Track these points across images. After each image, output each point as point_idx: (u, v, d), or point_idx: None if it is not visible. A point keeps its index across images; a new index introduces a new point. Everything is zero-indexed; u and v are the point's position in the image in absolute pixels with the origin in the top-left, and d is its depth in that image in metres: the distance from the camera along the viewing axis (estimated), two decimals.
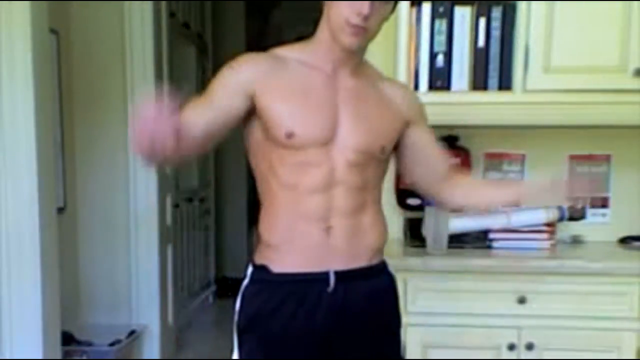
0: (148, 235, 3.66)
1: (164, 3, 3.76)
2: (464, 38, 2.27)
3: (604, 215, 2.61)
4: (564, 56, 2.26)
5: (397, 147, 1.68)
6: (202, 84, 5.12)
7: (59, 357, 2.92)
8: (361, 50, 1.57)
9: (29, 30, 2.56)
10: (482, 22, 2.26)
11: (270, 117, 1.52)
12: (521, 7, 2.25)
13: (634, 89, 2.23)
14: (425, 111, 1.74)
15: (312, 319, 1.54)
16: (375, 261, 1.62)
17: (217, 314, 5.30)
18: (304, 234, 1.54)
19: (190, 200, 4.82)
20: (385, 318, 1.66)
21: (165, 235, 3.86)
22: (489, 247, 2.39)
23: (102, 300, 3.64)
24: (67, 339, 3.21)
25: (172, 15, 4.03)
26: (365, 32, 1.49)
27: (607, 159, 2.60)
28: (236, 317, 1.61)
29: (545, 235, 2.40)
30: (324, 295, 1.54)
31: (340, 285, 1.54)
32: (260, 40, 6.77)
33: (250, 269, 1.63)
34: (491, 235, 2.39)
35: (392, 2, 1.52)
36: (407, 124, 1.66)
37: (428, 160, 1.73)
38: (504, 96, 2.24)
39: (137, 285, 3.67)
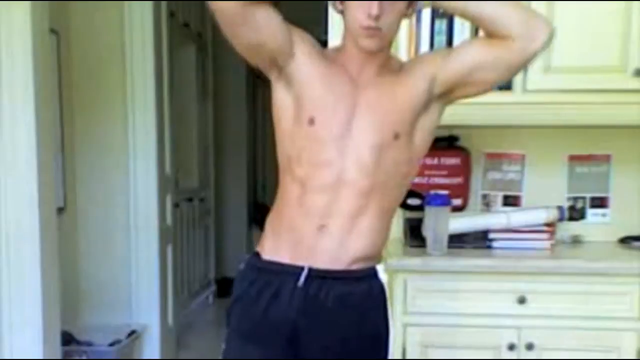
0: (148, 235, 3.66)
1: (164, 3, 3.76)
2: (464, 38, 2.27)
3: (604, 215, 2.61)
4: (564, 56, 2.26)
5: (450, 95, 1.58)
6: (202, 84, 5.13)
7: (59, 357, 2.92)
8: (383, 50, 1.55)
9: (29, 30, 2.56)
10: None
11: (296, 95, 1.55)
12: None
13: (634, 89, 2.23)
14: (432, 53, 1.71)
15: (284, 311, 1.56)
16: (358, 266, 1.59)
17: (217, 314, 5.30)
18: (297, 228, 1.57)
19: (190, 200, 4.82)
20: (364, 325, 1.63)
21: (165, 235, 3.86)
22: (489, 247, 2.39)
23: (102, 300, 3.64)
24: (67, 339, 3.21)
25: (172, 15, 4.03)
26: (381, 32, 1.47)
27: (607, 159, 2.60)
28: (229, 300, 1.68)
29: (545, 235, 2.40)
30: (295, 290, 1.56)
31: (314, 284, 1.56)
32: None
33: (248, 258, 1.68)
34: (491, 235, 2.39)
35: None
36: (432, 81, 1.55)
37: (471, 66, 1.53)
38: (504, 96, 2.24)
39: (137, 285, 3.68)
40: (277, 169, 1.66)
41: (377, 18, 1.44)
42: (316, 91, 1.55)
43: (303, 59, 1.56)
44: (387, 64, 1.59)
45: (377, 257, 1.65)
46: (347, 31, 1.55)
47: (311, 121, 1.53)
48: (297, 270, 1.56)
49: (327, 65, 1.58)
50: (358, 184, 1.55)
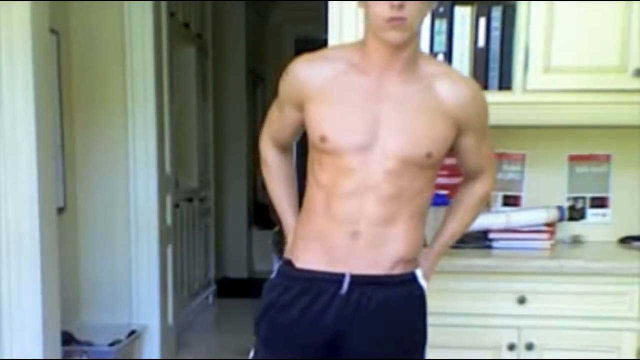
0: (148, 235, 3.66)
1: (164, 3, 3.76)
2: (464, 38, 2.27)
3: (604, 215, 2.61)
4: (564, 56, 2.26)
5: None
6: (202, 84, 5.13)
7: (59, 357, 2.92)
8: (408, 46, 1.52)
9: (29, 30, 2.56)
10: (482, 22, 2.26)
11: (308, 121, 1.59)
12: (521, 7, 2.24)
13: (634, 89, 2.23)
14: (486, 112, 1.67)
15: (322, 318, 1.56)
16: (397, 271, 1.60)
17: (217, 314, 5.31)
18: (330, 235, 1.57)
19: (190, 200, 4.82)
20: (404, 330, 1.65)
21: (165, 235, 3.86)
22: (489, 247, 2.39)
23: (102, 300, 3.64)
24: (67, 339, 3.21)
25: (172, 15, 4.03)
26: (405, 22, 1.44)
27: (607, 159, 2.60)
28: (256, 309, 1.67)
29: (545, 235, 2.39)
30: (336, 296, 1.55)
31: (355, 290, 1.55)
32: (261, 40, 6.78)
33: (279, 263, 1.69)
34: (491, 235, 2.39)
35: None
36: (459, 131, 1.61)
37: (460, 160, 1.72)
38: (504, 96, 2.24)
39: (137, 285, 3.68)
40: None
41: (400, 7, 1.42)
42: (326, 111, 1.56)
43: (306, 99, 1.59)
44: (414, 64, 1.56)
45: (415, 261, 1.65)
46: (369, 31, 1.53)
47: (322, 139, 1.54)
48: (336, 277, 1.55)
49: (337, 79, 1.55)
50: (384, 190, 1.54)
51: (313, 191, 1.62)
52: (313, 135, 1.57)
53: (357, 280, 1.55)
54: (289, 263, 1.64)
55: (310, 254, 1.60)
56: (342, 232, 1.55)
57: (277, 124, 1.74)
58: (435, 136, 1.56)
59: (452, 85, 1.58)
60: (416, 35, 1.54)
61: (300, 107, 1.61)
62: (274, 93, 1.72)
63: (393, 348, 1.62)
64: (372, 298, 1.56)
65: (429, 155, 1.55)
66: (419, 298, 1.67)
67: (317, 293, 1.57)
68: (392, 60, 1.52)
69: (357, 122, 1.53)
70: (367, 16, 1.52)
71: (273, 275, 1.67)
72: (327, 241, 1.57)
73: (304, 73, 1.60)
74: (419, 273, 1.66)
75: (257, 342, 1.67)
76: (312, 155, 1.61)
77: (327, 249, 1.57)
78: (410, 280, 1.64)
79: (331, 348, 1.59)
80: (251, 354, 1.69)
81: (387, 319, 1.59)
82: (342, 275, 1.55)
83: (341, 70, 1.56)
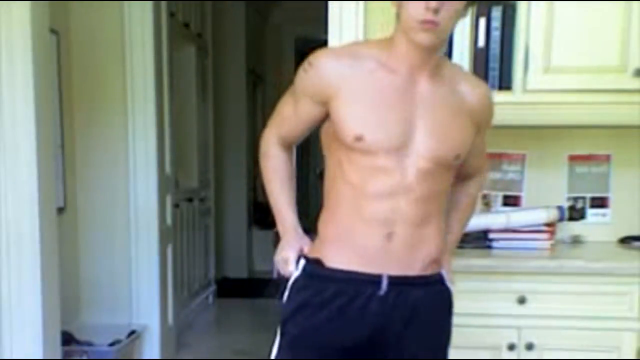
0: (148, 235, 3.66)
1: (164, 3, 3.76)
2: (464, 38, 2.27)
3: (604, 215, 2.61)
4: (564, 56, 2.26)
5: None
6: (202, 84, 5.13)
7: (59, 357, 2.92)
8: (437, 49, 1.52)
9: (29, 30, 2.56)
10: (482, 22, 2.26)
11: (339, 120, 1.53)
12: (521, 7, 2.25)
13: (634, 89, 2.23)
14: (493, 113, 1.72)
15: (360, 318, 1.56)
16: (430, 271, 1.61)
17: (217, 314, 5.31)
18: (363, 235, 1.54)
19: (190, 200, 4.82)
20: (435, 329, 1.66)
21: (165, 235, 3.86)
22: (489, 247, 2.39)
23: (102, 300, 3.64)
24: (67, 339, 3.21)
25: (172, 15, 4.03)
26: (438, 27, 1.44)
27: (607, 159, 2.60)
28: (283, 308, 1.63)
29: (545, 235, 2.39)
30: (374, 297, 1.55)
31: (392, 290, 1.55)
32: (261, 40, 6.78)
33: (302, 262, 1.63)
34: (491, 235, 2.39)
35: None
36: (477, 131, 1.64)
37: (465, 160, 1.68)
38: (504, 96, 2.24)
39: (137, 285, 3.68)
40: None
41: (436, 11, 1.41)
42: (360, 111, 1.52)
43: (333, 96, 1.53)
44: (440, 68, 1.57)
45: (440, 261, 1.66)
46: (400, 27, 1.50)
47: (359, 139, 1.50)
48: (373, 278, 1.55)
49: (367, 77, 1.53)
50: (417, 191, 1.53)
51: (340, 190, 1.57)
52: (345, 135, 1.51)
53: (393, 281, 1.55)
54: (316, 262, 1.60)
55: (342, 254, 1.57)
56: (375, 234, 1.53)
57: (290, 119, 1.65)
58: (463, 138, 1.59)
59: (473, 87, 1.64)
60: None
61: (324, 103, 1.55)
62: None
63: (427, 348, 1.64)
64: (409, 298, 1.57)
65: (457, 156, 1.57)
66: (448, 298, 1.68)
67: (354, 294, 1.55)
68: (422, 62, 1.52)
69: (392, 122, 1.51)
70: (399, 15, 1.49)
71: (297, 274, 1.63)
72: (359, 242, 1.55)
73: (333, 69, 1.54)
74: (444, 273, 1.67)
75: (281, 342, 1.63)
76: (339, 154, 1.55)
77: (359, 250, 1.55)
78: (439, 280, 1.66)
79: (366, 348, 1.58)
80: (274, 354, 1.65)
81: (423, 319, 1.60)
82: (379, 276, 1.54)
83: (371, 68, 1.53)
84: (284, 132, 1.68)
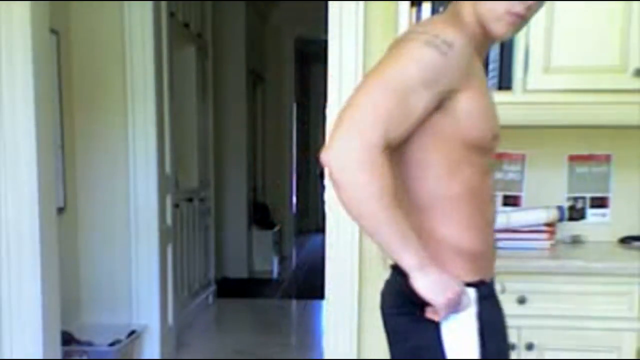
0: (148, 235, 3.66)
1: (164, 3, 3.77)
2: None
3: (604, 215, 2.61)
4: (564, 56, 2.26)
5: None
6: (202, 84, 5.13)
7: (59, 357, 2.92)
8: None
9: (29, 30, 2.56)
10: None
11: (472, 116, 1.34)
12: None
13: (634, 89, 2.23)
14: None
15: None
16: None
17: (217, 314, 5.30)
18: (489, 244, 1.48)
19: (190, 200, 4.82)
20: None
21: (165, 235, 3.86)
22: None
23: (102, 300, 3.64)
24: (67, 339, 3.21)
25: (172, 15, 4.03)
26: (522, 23, 1.39)
27: (607, 159, 2.60)
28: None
29: (545, 235, 2.40)
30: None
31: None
32: (260, 40, 6.78)
33: (472, 293, 1.42)
34: None
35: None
36: None
37: None
38: (504, 96, 2.24)
39: (137, 285, 3.68)
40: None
41: (528, 7, 1.36)
42: (489, 106, 1.42)
43: (471, 95, 1.35)
44: None
45: None
46: (473, 17, 1.38)
47: (496, 137, 1.42)
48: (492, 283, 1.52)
49: (477, 64, 1.40)
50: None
51: (463, 197, 1.39)
52: (483, 133, 1.37)
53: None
54: (482, 283, 1.44)
55: (485, 265, 1.47)
56: (491, 241, 1.48)
57: (399, 117, 1.27)
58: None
59: None
60: None
61: (449, 94, 1.31)
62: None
63: None
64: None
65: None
66: None
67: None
68: (485, 52, 1.46)
69: (495, 115, 1.44)
70: (479, 3, 1.37)
71: (476, 309, 1.41)
72: (489, 250, 1.48)
73: (469, 54, 1.34)
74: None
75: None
76: (454, 156, 1.37)
77: (489, 260, 1.50)
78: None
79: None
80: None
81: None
82: (492, 282, 1.52)
83: (474, 56, 1.38)
84: (392, 133, 1.27)
